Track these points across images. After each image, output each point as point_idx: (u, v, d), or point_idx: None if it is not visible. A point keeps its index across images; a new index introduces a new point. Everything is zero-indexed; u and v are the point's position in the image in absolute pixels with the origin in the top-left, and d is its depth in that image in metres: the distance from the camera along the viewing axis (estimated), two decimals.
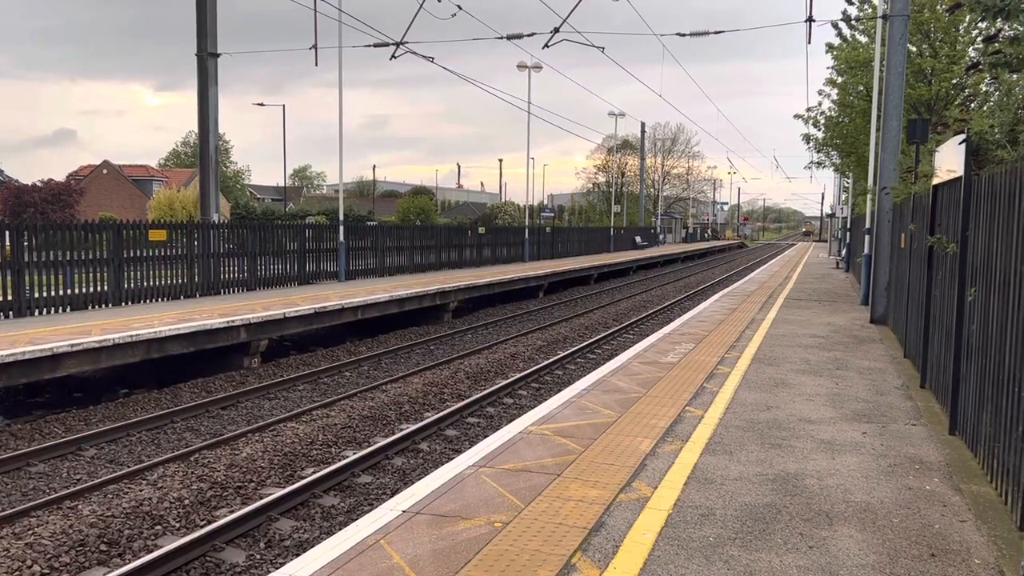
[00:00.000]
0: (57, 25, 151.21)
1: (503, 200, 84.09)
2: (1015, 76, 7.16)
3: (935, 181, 8.46)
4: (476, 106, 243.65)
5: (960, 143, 6.77)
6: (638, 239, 56.08)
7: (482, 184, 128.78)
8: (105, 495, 7.41)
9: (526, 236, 35.65)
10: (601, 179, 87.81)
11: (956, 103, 20.07)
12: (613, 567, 4.25)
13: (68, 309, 14.19)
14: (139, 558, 6.01)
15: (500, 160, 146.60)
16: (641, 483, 5.57)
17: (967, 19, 19.86)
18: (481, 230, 32.39)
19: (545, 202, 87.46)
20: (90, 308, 14.57)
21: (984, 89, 18.45)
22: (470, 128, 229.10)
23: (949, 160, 7.51)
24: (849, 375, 9.68)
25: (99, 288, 14.87)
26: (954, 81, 19.75)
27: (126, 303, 15.37)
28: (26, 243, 13.68)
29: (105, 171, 64.03)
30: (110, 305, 15.00)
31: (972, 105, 19.26)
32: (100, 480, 7.71)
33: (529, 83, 37.45)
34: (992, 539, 4.68)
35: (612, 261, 37.18)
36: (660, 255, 47.89)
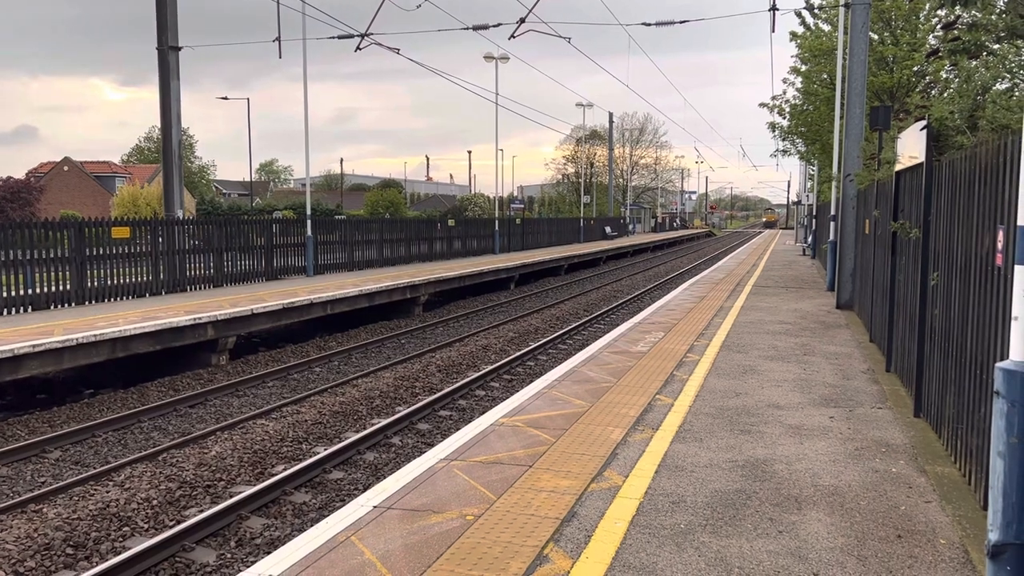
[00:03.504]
0: (13, 20, 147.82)
1: (473, 192, 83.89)
2: (974, 62, 7.27)
3: (898, 167, 8.57)
4: (444, 98, 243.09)
5: (921, 129, 6.86)
6: (608, 229, 56.27)
7: (451, 176, 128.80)
8: (71, 497, 7.28)
9: (496, 228, 35.60)
10: (570, 170, 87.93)
11: (917, 90, 20.33)
12: (585, 557, 4.25)
13: (29, 309, 13.92)
14: (107, 561, 5.92)
15: (469, 152, 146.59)
16: (612, 472, 5.59)
17: (927, 6, 20.13)
18: (451, 222, 32.29)
19: (515, 193, 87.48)
20: (52, 308, 14.30)
21: (944, 76, 18.72)
22: (438, 120, 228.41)
23: (911, 146, 7.61)
24: (816, 360, 9.80)
25: (61, 287, 14.60)
26: (915, 68, 20.00)
27: (90, 302, 15.11)
28: None
29: (66, 168, 62.75)
30: (73, 304, 14.73)
31: (933, 92, 19.54)
32: (65, 482, 7.58)
33: (496, 74, 37.20)
34: (956, 519, 4.76)
35: (582, 251, 37.28)
36: (630, 245, 48.10)
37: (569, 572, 4.08)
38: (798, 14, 23.20)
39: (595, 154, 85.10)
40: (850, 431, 6.65)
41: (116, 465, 8.09)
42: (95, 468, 8.23)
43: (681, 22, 21.31)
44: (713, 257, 44.41)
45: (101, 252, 15.56)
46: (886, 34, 20.58)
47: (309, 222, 22.23)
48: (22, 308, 13.81)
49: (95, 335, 11.14)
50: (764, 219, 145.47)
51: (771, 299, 16.75)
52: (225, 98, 56.60)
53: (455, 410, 10.52)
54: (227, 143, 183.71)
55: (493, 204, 47.97)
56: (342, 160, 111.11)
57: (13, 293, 13.68)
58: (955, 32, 8.26)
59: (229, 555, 6.21)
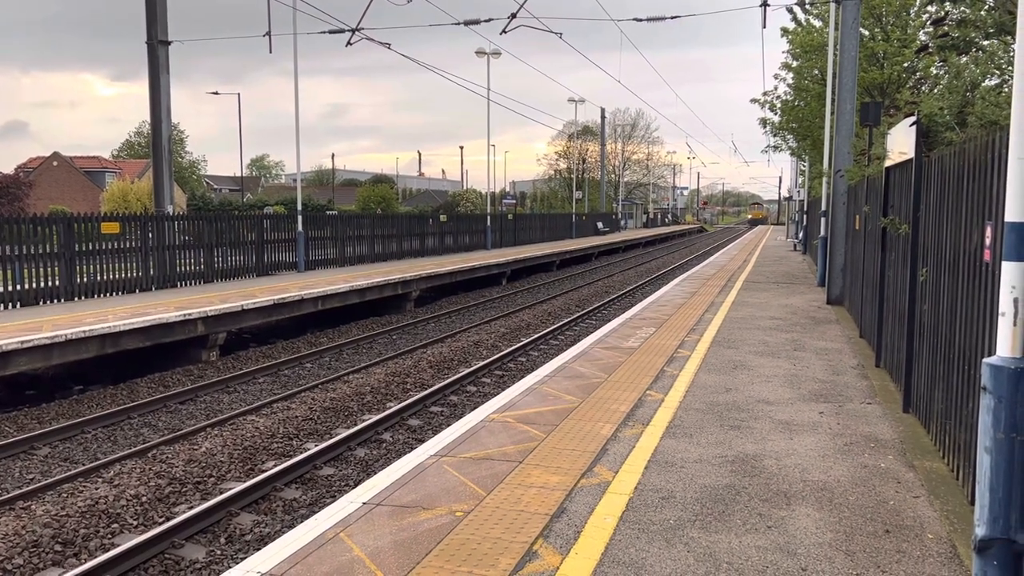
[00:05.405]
0: (7, 17, 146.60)
1: (465, 188, 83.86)
2: (963, 59, 7.30)
3: (887, 163, 8.59)
4: (436, 94, 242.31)
5: (911, 125, 6.87)
6: (600, 225, 56.30)
7: (443, 172, 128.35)
8: (59, 494, 7.25)
9: (488, 224, 35.56)
10: (562, 165, 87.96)
11: (907, 86, 20.41)
12: (575, 552, 4.26)
13: (18, 305, 13.84)
14: (95, 557, 5.89)
15: (461, 148, 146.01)
16: (602, 468, 5.59)
17: (917, 2, 20.20)
18: (443, 218, 32.25)
19: (507, 189, 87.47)
20: (41, 303, 14.23)
21: (934, 72, 18.78)
22: (431, 116, 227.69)
23: (901, 142, 7.63)
24: (806, 356, 9.82)
25: (50, 283, 14.52)
26: (905, 64, 20.07)
27: (79, 298, 15.03)
28: None
29: (55, 163, 62.39)
30: (62, 300, 14.66)
31: (923, 88, 19.60)
32: (54, 479, 7.54)
33: (488, 69, 37.13)
34: (944, 514, 4.78)
35: (574, 247, 37.28)
36: (622, 240, 48.14)
37: (558, 568, 4.08)
38: (789, 10, 23.24)
39: (587, 150, 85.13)
40: (839, 426, 6.67)
41: (105, 462, 8.05)
42: (84, 465, 8.20)
43: (672, 18, 21.36)
44: (704, 253, 44.49)
45: (90, 248, 15.49)
46: (877, 30, 20.64)
47: (300, 218, 22.17)
48: (10, 304, 13.73)
49: (84, 331, 11.08)
50: (750, 216, 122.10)
51: (762, 295, 16.79)
52: (216, 93, 56.66)
53: (446, 406, 10.52)
54: (218, 138, 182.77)
55: (485, 200, 47.92)
56: (333, 155, 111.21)
57: (1, 289, 13.60)
58: (945, 28, 8.29)
59: (219, 552, 6.19)
